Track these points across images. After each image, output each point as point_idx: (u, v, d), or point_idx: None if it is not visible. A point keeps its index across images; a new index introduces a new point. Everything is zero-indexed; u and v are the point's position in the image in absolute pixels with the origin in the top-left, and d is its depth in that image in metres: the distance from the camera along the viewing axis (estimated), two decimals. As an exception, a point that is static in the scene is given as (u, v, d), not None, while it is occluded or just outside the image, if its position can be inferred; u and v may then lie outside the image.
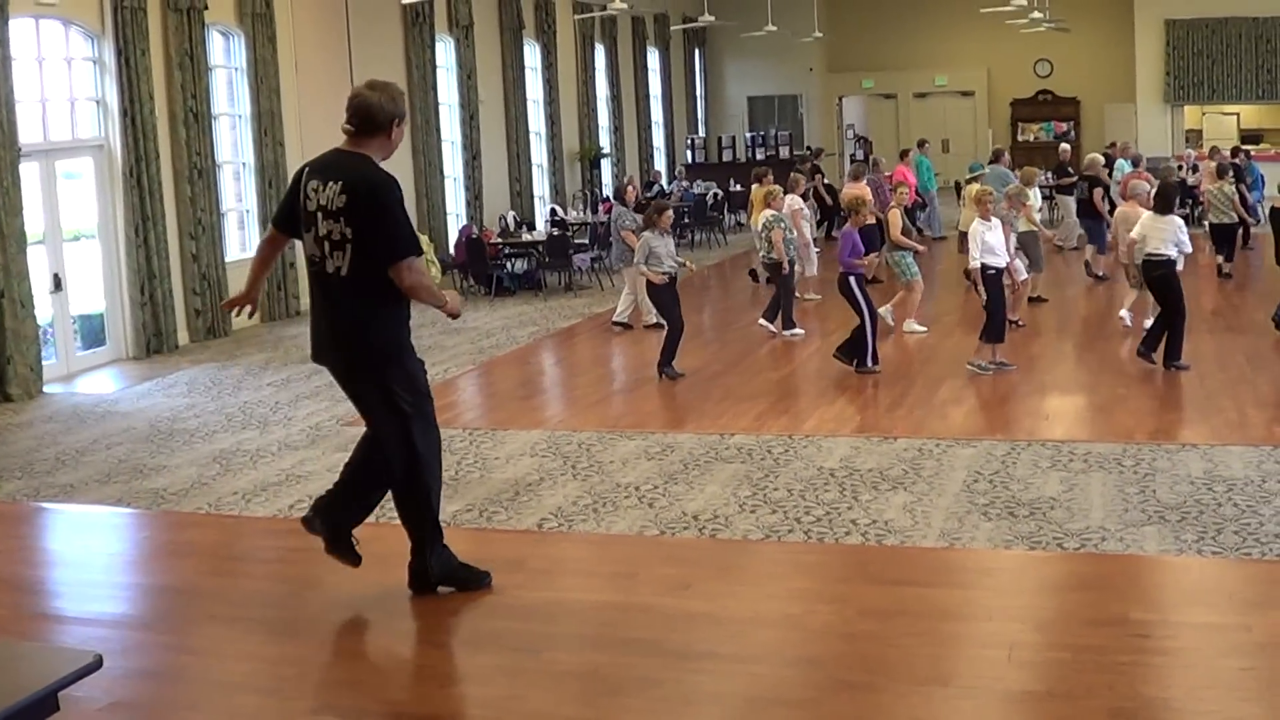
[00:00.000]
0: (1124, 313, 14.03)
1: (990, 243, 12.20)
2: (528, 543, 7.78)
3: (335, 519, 6.29)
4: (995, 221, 12.46)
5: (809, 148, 29.34)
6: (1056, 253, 20.04)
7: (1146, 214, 12.36)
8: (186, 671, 5.69)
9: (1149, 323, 12.57)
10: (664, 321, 12.96)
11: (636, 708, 5.19)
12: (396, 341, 6.05)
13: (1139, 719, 4.97)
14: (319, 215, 5.85)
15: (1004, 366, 12.15)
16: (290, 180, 6.20)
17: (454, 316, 6.34)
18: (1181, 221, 12.38)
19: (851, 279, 12.44)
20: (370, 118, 5.87)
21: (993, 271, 12.18)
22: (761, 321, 14.62)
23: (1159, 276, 12.00)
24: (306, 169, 6.03)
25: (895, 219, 14.46)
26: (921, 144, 24.24)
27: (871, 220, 14.33)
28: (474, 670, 5.64)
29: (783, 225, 14.60)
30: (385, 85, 5.99)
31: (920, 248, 14.74)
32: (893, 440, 9.89)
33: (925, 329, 14.43)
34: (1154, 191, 13.09)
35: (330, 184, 5.82)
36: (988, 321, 12.17)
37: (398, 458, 6.10)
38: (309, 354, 6.30)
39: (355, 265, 5.81)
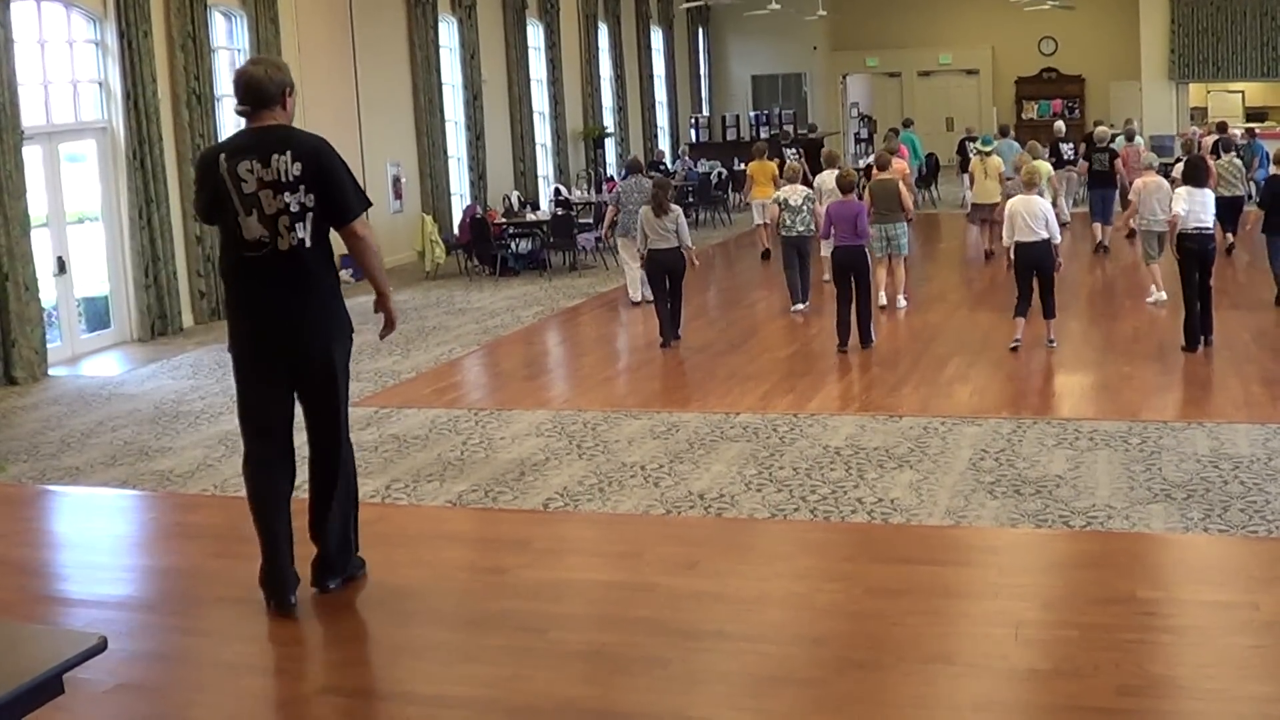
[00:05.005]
0: (1158, 294, 13.97)
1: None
2: (533, 523, 7.77)
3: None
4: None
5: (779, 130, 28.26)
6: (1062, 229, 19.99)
7: (1183, 189, 12.10)
8: (192, 653, 5.68)
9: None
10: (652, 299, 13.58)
11: (643, 687, 5.19)
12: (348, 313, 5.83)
13: (1146, 697, 4.97)
14: (267, 193, 5.49)
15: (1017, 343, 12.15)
16: (199, 170, 5.79)
17: (388, 324, 5.96)
18: (1212, 195, 12.36)
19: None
20: (262, 91, 5.58)
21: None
22: (800, 307, 14.50)
23: (1211, 250, 11.95)
24: (222, 154, 5.61)
25: (905, 192, 14.69)
26: (907, 123, 24.57)
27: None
28: (479, 650, 5.63)
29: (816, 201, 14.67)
30: (266, 59, 5.73)
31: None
32: (898, 419, 9.87)
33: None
34: (1183, 166, 12.94)
35: (276, 157, 5.49)
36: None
37: (349, 446, 5.93)
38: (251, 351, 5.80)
39: (316, 233, 5.57)
